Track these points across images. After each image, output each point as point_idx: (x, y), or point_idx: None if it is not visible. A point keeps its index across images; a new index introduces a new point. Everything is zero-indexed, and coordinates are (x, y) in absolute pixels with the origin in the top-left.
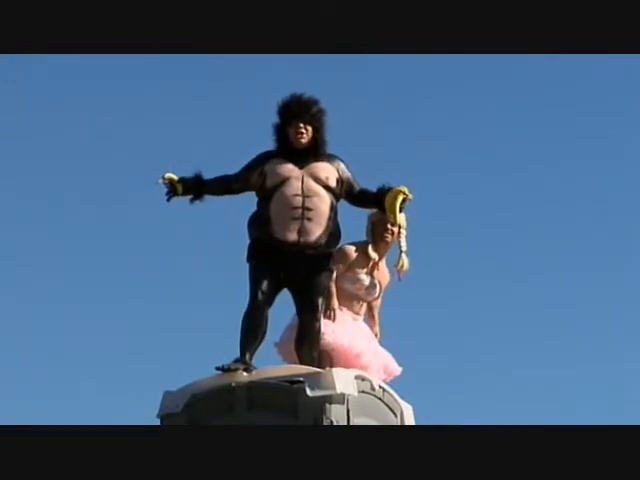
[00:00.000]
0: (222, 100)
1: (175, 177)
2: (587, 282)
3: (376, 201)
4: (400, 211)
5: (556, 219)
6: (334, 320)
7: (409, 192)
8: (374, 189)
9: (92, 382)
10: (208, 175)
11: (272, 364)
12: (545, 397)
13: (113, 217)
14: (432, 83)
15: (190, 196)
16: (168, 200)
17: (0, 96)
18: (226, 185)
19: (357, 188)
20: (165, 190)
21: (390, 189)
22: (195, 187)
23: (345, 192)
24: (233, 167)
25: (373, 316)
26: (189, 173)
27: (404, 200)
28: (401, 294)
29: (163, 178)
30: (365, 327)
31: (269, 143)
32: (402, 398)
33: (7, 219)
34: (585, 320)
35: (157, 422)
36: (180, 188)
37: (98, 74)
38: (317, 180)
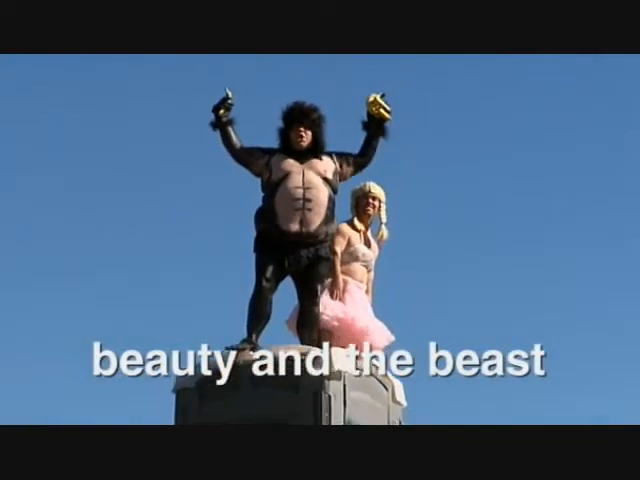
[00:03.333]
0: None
1: (231, 101)
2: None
3: (370, 130)
4: (386, 107)
5: (557, 216)
6: (340, 299)
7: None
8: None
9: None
10: None
11: (277, 344)
12: (544, 394)
13: (115, 213)
14: (432, 83)
15: (216, 121)
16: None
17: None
18: (236, 145)
19: (356, 153)
20: (223, 99)
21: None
22: (225, 121)
23: (355, 164)
24: (234, 166)
25: (367, 288)
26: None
27: (381, 97)
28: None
29: (230, 94)
30: (364, 297)
31: (270, 144)
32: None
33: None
34: (586, 318)
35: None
36: (225, 110)
37: (98, 74)
38: (317, 173)
